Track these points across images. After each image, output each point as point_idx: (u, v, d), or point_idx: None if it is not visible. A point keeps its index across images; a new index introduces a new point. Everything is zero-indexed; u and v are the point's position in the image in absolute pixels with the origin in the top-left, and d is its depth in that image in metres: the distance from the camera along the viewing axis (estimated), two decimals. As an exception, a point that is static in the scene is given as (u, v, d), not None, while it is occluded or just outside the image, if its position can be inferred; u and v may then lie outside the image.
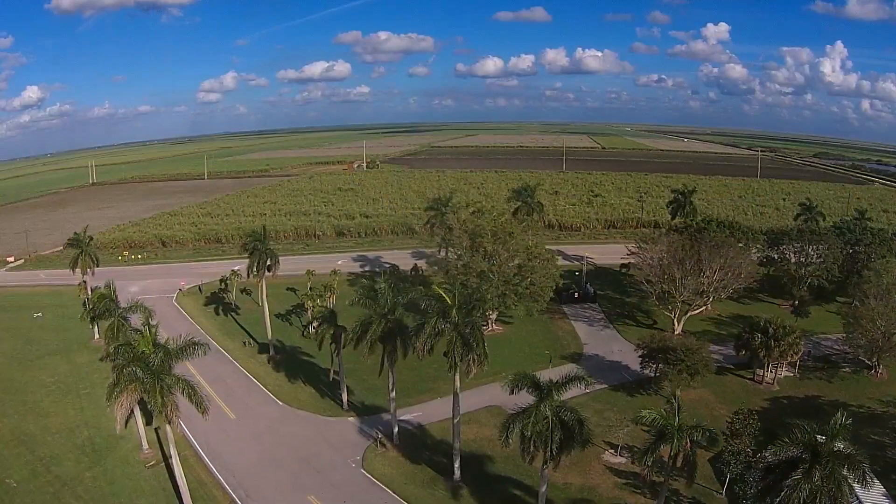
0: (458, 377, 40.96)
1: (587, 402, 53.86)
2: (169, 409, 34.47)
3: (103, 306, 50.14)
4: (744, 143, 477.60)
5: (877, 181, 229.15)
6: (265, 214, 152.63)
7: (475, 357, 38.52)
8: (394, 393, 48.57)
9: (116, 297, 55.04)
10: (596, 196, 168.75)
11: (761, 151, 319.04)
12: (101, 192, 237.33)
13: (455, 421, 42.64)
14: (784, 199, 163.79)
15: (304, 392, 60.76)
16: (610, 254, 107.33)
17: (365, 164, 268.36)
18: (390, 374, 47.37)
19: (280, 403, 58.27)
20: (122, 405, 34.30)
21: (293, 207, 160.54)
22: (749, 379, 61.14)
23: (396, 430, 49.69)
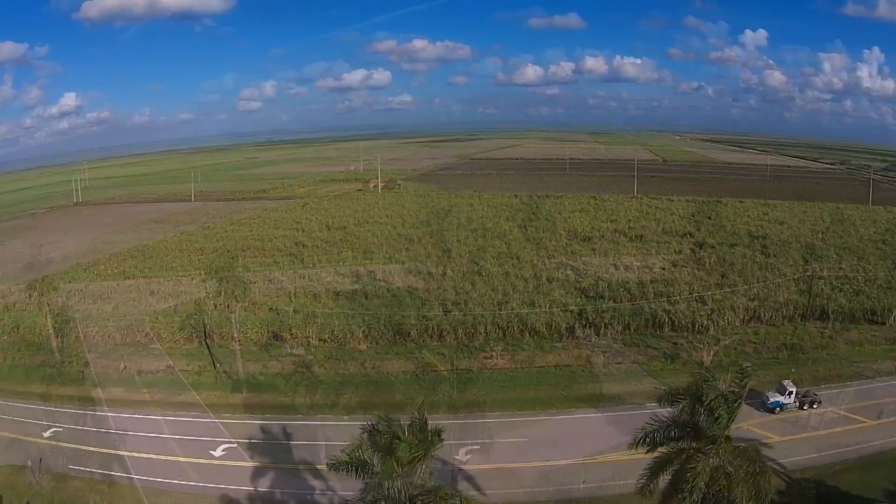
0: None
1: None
2: None
3: None
4: (810, 153, 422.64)
5: None
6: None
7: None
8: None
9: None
10: (701, 246, 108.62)
11: (846, 166, 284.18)
12: (74, 216, 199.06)
13: None
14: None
15: None
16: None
17: (380, 185, 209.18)
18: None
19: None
20: None
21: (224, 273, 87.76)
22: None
23: None
